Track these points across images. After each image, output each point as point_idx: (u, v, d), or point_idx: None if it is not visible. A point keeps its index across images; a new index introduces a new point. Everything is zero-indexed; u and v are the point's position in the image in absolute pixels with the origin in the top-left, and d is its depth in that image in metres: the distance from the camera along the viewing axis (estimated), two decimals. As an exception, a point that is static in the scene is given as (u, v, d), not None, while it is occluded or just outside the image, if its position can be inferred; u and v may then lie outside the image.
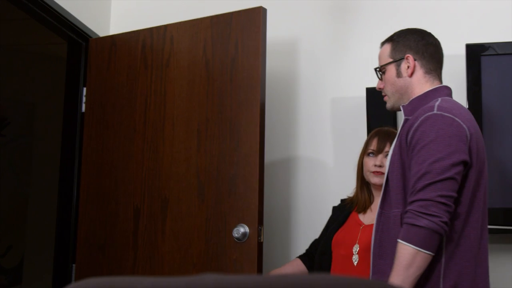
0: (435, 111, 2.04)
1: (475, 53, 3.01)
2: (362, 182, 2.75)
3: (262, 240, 2.81)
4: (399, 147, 2.12)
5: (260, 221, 2.81)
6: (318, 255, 2.66)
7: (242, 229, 2.79)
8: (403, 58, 2.25)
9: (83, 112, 3.35)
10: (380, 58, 2.35)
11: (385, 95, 2.34)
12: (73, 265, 3.24)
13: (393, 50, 2.29)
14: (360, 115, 3.23)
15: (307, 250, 2.88)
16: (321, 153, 3.30)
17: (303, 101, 3.36)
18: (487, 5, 3.22)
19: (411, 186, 2.02)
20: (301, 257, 2.88)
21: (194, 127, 3.02)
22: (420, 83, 2.23)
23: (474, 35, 3.13)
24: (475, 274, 2.05)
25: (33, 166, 5.31)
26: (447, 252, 2.03)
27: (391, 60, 2.29)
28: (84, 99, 3.36)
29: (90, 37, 3.41)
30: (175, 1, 3.61)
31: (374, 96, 3.14)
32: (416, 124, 2.06)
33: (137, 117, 3.19)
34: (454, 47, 3.16)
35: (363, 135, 3.17)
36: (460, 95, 3.09)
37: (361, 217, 2.70)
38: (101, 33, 3.51)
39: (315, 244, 2.84)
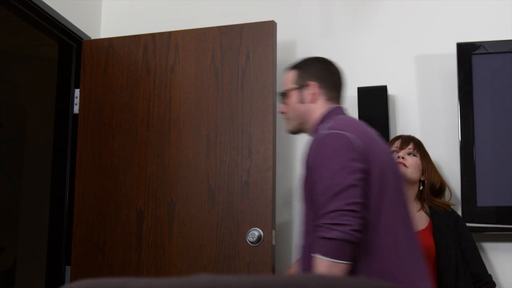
0: (324, 132, 2.12)
1: (466, 52, 3.03)
2: None
3: (274, 243, 2.92)
4: (305, 173, 2.16)
5: (273, 225, 2.91)
6: None
7: (257, 233, 2.90)
8: (306, 85, 2.33)
9: (76, 114, 3.35)
10: (284, 83, 2.43)
11: (286, 119, 2.41)
12: (66, 267, 3.24)
13: (298, 77, 2.36)
14: (352, 114, 3.22)
15: None
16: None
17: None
18: (478, 4, 3.23)
19: (317, 204, 2.03)
20: None
21: (203, 133, 3.10)
22: (321, 109, 2.30)
23: (465, 34, 3.15)
24: (397, 274, 2.04)
25: (25, 168, 5.29)
26: (362, 261, 2.02)
27: (295, 86, 2.36)
28: (76, 100, 3.36)
29: (82, 39, 3.40)
30: (163, 7, 3.62)
31: (365, 96, 3.15)
32: (309, 148, 2.13)
33: (138, 121, 3.21)
34: (445, 46, 3.18)
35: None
36: (451, 94, 3.10)
37: None
38: (92, 35, 3.50)
39: None
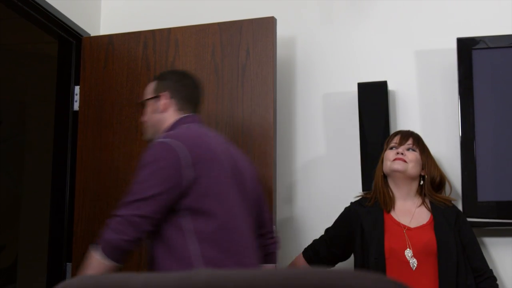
0: (158, 140, 2.26)
1: (467, 47, 3.02)
2: (383, 178, 2.80)
3: None
4: None
5: (274, 221, 2.88)
6: (373, 262, 2.63)
7: None
8: (159, 96, 2.47)
9: (76, 111, 3.35)
10: (145, 93, 2.57)
11: (146, 127, 2.56)
12: (68, 263, 3.24)
13: (155, 88, 2.52)
14: (352, 110, 3.23)
15: (313, 245, 2.89)
16: (313, 149, 3.30)
17: (295, 97, 3.36)
18: (478, -1, 3.23)
19: None
20: (305, 252, 2.91)
21: (203, 130, 3.09)
22: (171, 119, 2.44)
23: (465, 29, 3.15)
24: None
25: (26, 165, 5.29)
26: (198, 254, 2.17)
27: (150, 96, 2.52)
28: (76, 97, 3.36)
29: (81, 35, 3.40)
30: (162, 3, 3.61)
31: (365, 91, 3.15)
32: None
33: (138, 118, 3.19)
34: (445, 41, 3.17)
35: (355, 131, 3.18)
36: (451, 89, 3.10)
37: (396, 216, 2.72)
38: (92, 32, 3.50)
39: (325, 240, 2.85)
